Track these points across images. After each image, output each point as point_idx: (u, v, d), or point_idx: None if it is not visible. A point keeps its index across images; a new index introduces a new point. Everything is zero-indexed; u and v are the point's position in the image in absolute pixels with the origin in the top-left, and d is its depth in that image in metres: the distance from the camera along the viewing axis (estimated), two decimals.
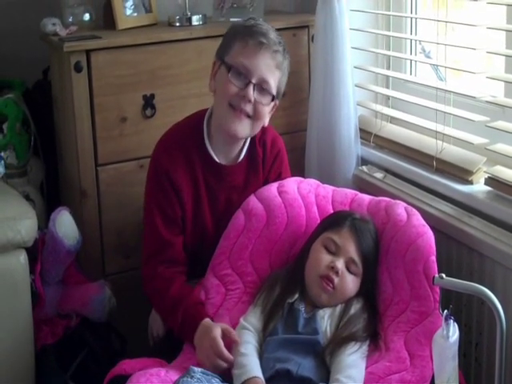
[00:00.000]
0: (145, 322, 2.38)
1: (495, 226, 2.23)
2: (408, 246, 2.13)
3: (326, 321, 2.06)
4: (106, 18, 2.83)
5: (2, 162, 2.62)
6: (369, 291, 2.14)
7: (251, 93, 2.19)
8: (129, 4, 2.82)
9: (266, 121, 2.29)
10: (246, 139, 2.34)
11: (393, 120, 2.87)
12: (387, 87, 2.97)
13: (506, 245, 2.15)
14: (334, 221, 2.18)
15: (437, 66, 2.73)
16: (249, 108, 2.21)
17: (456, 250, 2.32)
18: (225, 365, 2.01)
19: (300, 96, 2.95)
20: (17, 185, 2.72)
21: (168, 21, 2.88)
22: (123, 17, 2.80)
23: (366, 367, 2.00)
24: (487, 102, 2.38)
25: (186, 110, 2.52)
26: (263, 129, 2.35)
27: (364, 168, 2.81)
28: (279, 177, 2.40)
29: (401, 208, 2.24)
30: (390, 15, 2.88)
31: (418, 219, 2.20)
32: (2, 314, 2.34)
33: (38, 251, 2.46)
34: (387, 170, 2.74)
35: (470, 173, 2.38)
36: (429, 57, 2.86)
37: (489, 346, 2.22)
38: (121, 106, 2.65)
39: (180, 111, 2.58)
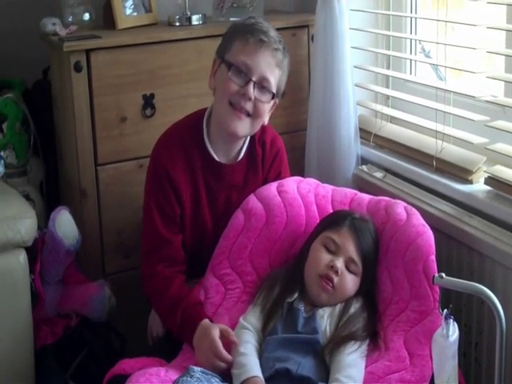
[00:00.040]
0: (144, 322, 2.38)
1: (495, 226, 2.23)
2: (408, 245, 2.13)
3: (325, 320, 2.06)
4: (106, 18, 2.83)
5: (2, 161, 2.62)
6: (368, 290, 2.14)
7: (251, 91, 2.19)
8: (128, 4, 2.82)
9: (266, 119, 2.29)
10: (246, 138, 2.34)
11: (393, 120, 2.87)
12: (387, 87, 2.97)
13: (506, 244, 2.15)
14: (334, 220, 2.18)
15: (437, 65, 2.73)
16: (249, 106, 2.21)
17: (456, 250, 2.32)
18: (224, 366, 2.01)
19: (300, 95, 2.95)
20: (16, 184, 2.72)
21: (168, 20, 2.88)
22: (123, 16, 2.80)
23: (366, 366, 1.99)
24: (487, 101, 2.38)
25: (185, 109, 2.52)
26: (263, 128, 2.35)
27: (364, 167, 2.81)
28: (279, 176, 2.40)
29: (400, 207, 2.24)
30: (389, 15, 2.88)
31: (417, 219, 2.20)
32: (1, 314, 2.34)
33: (38, 251, 2.45)
34: (387, 170, 2.74)
35: (470, 172, 2.38)
36: (429, 56, 2.86)
37: (489, 346, 2.22)
38: (121, 105, 2.65)
39: (180, 111, 2.58)
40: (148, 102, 2.68)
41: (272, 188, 2.32)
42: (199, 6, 2.95)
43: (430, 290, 2.07)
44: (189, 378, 1.88)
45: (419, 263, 2.10)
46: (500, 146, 2.32)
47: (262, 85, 2.21)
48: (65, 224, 2.46)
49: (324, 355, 1.99)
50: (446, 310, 1.78)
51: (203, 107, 2.39)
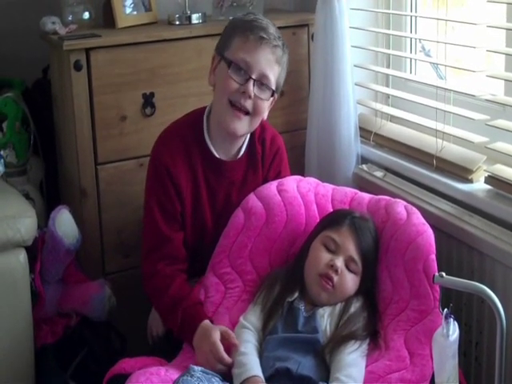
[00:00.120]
0: (145, 321, 2.38)
1: (495, 225, 2.23)
2: (408, 244, 2.13)
3: (325, 319, 2.06)
4: (106, 17, 2.82)
5: (2, 160, 2.62)
6: (368, 290, 2.14)
7: (251, 88, 2.19)
8: (128, 2, 2.82)
9: (265, 115, 2.29)
10: (246, 136, 2.34)
11: (393, 118, 2.87)
12: (387, 86, 2.97)
13: (506, 243, 2.15)
14: (334, 219, 2.18)
15: (437, 64, 2.73)
16: (248, 104, 2.21)
17: (456, 249, 2.32)
18: (224, 369, 2.01)
19: (300, 95, 2.95)
20: (16, 183, 2.72)
21: (168, 19, 2.88)
22: (123, 15, 2.80)
23: (366, 366, 1.99)
24: (487, 100, 2.38)
25: (185, 108, 2.52)
26: (262, 127, 2.35)
27: (364, 167, 2.81)
28: (278, 175, 2.40)
29: (401, 206, 2.23)
30: (389, 13, 2.88)
31: (417, 218, 2.19)
32: (1, 313, 2.34)
33: (38, 250, 2.45)
34: (387, 169, 2.74)
35: (470, 171, 2.38)
36: (429, 55, 2.86)
37: (489, 345, 2.22)
38: (120, 104, 2.65)
39: (180, 110, 2.58)
40: (148, 100, 2.68)
41: (272, 187, 2.31)
42: (199, 5, 2.95)
43: (430, 289, 2.07)
44: (189, 378, 1.88)
45: (419, 262, 2.10)
46: (500, 145, 2.32)
47: (262, 82, 2.21)
48: (65, 223, 2.46)
49: (324, 354, 1.99)
50: (446, 310, 1.78)
51: (203, 105, 2.38)
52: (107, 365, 2.10)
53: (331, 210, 2.30)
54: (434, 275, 1.82)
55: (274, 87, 2.24)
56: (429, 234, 2.15)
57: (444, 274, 1.81)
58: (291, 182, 2.34)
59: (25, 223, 2.35)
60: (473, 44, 2.44)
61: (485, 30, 2.37)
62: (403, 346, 2.02)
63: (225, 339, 2.04)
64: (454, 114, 2.49)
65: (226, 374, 1.99)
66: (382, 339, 2.05)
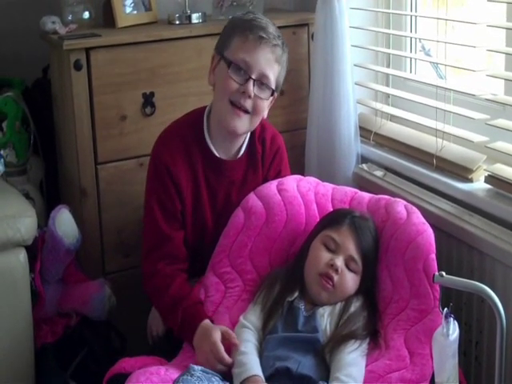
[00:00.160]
0: (145, 321, 2.38)
1: (495, 224, 2.23)
2: (408, 243, 2.13)
3: (325, 319, 2.06)
4: (106, 16, 2.82)
5: (2, 160, 2.62)
6: (368, 289, 2.14)
7: (251, 88, 2.19)
8: (128, 2, 2.82)
9: (265, 114, 2.29)
10: (246, 135, 2.34)
11: (393, 118, 2.87)
12: (387, 85, 2.97)
13: (506, 243, 2.14)
14: (334, 219, 2.18)
15: (437, 63, 2.72)
16: (248, 103, 2.21)
17: (456, 248, 2.32)
18: (225, 369, 2.01)
19: (300, 94, 2.95)
20: (16, 183, 2.72)
21: (168, 19, 2.88)
22: (123, 15, 2.79)
23: (366, 365, 1.99)
24: (487, 99, 2.38)
25: (185, 108, 2.52)
26: (262, 126, 2.36)
27: (364, 166, 2.81)
28: (279, 174, 2.40)
29: (401, 206, 2.23)
30: (389, 13, 2.87)
31: (417, 217, 2.19)
32: (1, 313, 2.34)
33: (38, 250, 2.45)
34: (387, 168, 2.74)
35: (470, 171, 2.38)
36: (429, 55, 2.86)
37: (489, 345, 2.22)
38: (120, 104, 2.65)
39: (180, 109, 2.58)
40: (148, 100, 2.68)
41: (272, 186, 2.31)
42: (199, 5, 2.95)
43: (430, 289, 2.07)
44: (189, 377, 1.88)
45: (419, 262, 2.10)
46: (500, 145, 2.32)
47: (262, 82, 2.21)
48: (65, 223, 2.46)
49: (324, 354, 1.99)
50: (446, 309, 1.78)
51: (203, 105, 2.38)
52: (107, 364, 2.10)
53: (331, 209, 2.30)
54: (434, 275, 1.82)
55: (273, 86, 2.24)
56: (429, 234, 2.15)
57: (444, 273, 1.81)
58: (291, 182, 2.34)
59: (25, 223, 2.35)
60: (473, 43, 2.44)
61: (485, 29, 2.37)
62: (403, 346, 2.02)
63: (225, 339, 2.04)
64: (454, 113, 2.49)
65: (226, 373, 1.99)
66: (382, 338, 2.05)
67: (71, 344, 2.48)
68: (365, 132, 2.86)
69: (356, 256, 2.11)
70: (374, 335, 2.06)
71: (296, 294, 2.11)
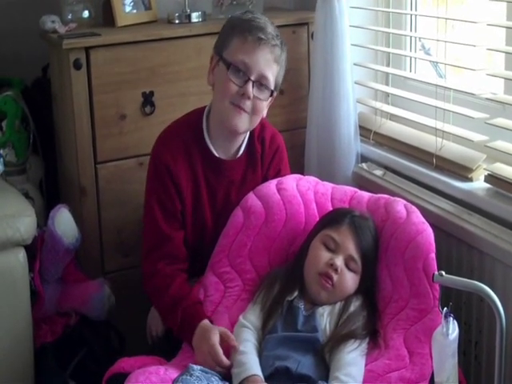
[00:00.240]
0: (144, 320, 2.38)
1: (495, 224, 2.23)
2: (407, 243, 2.13)
3: (325, 318, 2.06)
4: (106, 15, 2.82)
5: (1, 159, 2.62)
6: (368, 289, 2.14)
7: (250, 90, 2.19)
8: (128, 1, 2.82)
9: (264, 113, 2.29)
10: (245, 135, 2.34)
11: (392, 117, 2.86)
12: (387, 84, 2.97)
13: (505, 242, 2.14)
14: (333, 218, 2.18)
15: (436, 63, 2.72)
16: (248, 104, 2.21)
17: (456, 248, 2.32)
18: (223, 371, 2.01)
19: (299, 93, 2.95)
20: (16, 182, 2.72)
21: (167, 18, 2.87)
22: (122, 14, 2.79)
23: (366, 365, 1.99)
24: (487, 99, 2.37)
25: (185, 107, 2.52)
26: (262, 125, 2.36)
27: (363, 165, 2.80)
28: (278, 173, 2.40)
29: (400, 205, 2.23)
30: (389, 12, 2.87)
31: (417, 216, 2.19)
32: (1, 313, 2.34)
33: (37, 249, 2.45)
34: (387, 168, 2.74)
35: (470, 170, 2.38)
36: (429, 54, 2.86)
37: (488, 344, 2.22)
38: (120, 103, 2.65)
39: (179, 108, 2.58)
40: (147, 99, 2.68)
41: (271, 186, 2.31)
42: (199, 4, 2.94)
43: (429, 288, 2.07)
44: (188, 377, 1.88)
45: (419, 261, 2.10)
46: (500, 144, 2.32)
47: (261, 83, 2.21)
48: (64, 222, 2.46)
49: (324, 353, 1.99)
50: (445, 308, 1.78)
51: (203, 105, 2.38)
52: (106, 364, 2.10)
53: (331, 208, 2.30)
54: (433, 274, 1.82)
55: (272, 87, 2.24)
56: (428, 233, 2.15)
57: (443, 272, 1.81)
58: (290, 181, 2.34)
59: (24, 222, 2.35)
60: (473, 42, 2.44)
61: (485, 28, 2.37)
62: (403, 345, 2.02)
63: (224, 341, 2.04)
64: (453, 112, 2.49)
65: (226, 373, 1.99)
66: (382, 338, 2.05)
67: (71, 343, 2.48)
68: (364, 131, 2.86)
69: (356, 255, 2.11)
70: (373, 335, 2.06)
71: (295, 294, 2.11)
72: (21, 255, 2.36)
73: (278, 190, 2.30)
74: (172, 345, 2.18)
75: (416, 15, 2.83)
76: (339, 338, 2.01)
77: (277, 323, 2.06)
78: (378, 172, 2.73)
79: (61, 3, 2.80)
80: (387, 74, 2.95)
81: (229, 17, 2.38)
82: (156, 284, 2.24)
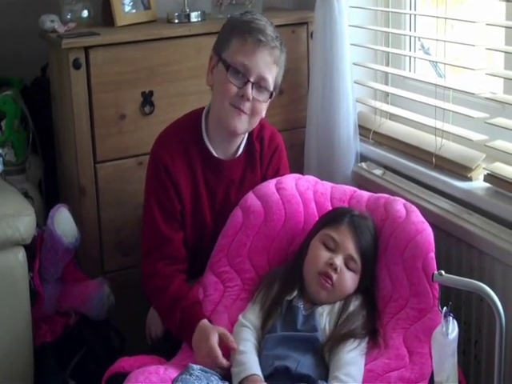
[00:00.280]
0: (144, 320, 2.38)
1: (494, 223, 2.22)
2: (407, 242, 2.13)
3: (324, 318, 2.06)
4: (105, 15, 2.82)
5: (1, 159, 2.62)
6: (368, 288, 2.14)
7: (250, 92, 2.19)
8: (127, 1, 2.81)
9: (264, 113, 2.29)
10: (244, 135, 2.34)
11: (392, 117, 2.86)
12: (386, 84, 2.97)
13: (505, 242, 2.14)
14: (333, 217, 2.18)
15: (436, 62, 2.72)
16: (247, 106, 2.21)
17: (455, 247, 2.32)
18: (223, 371, 2.01)
19: (299, 93, 2.95)
20: (15, 182, 2.72)
21: (167, 17, 2.87)
22: (122, 13, 2.79)
23: (365, 364, 1.99)
24: (486, 98, 2.37)
25: (184, 106, 2.52)
26: (261, 125, 2.36)
27: (363, 165, 2.80)
28: (277, 173, 2.40)
29: (400, 204, 2.23)
30: (389, 12, 2.87)
31: (417, 216, 2.19)
32: (0, 312, 2.34)
33: (37, 248, 2.45)
34: (386, 167, 2.74)
35: (470, 169, 2.38)
36: (428, 53, 2.86)
37: (488, 344, 2.22)
38: (119, 102, 2.64)
39: (179, 108, 2.58)
40: (147, 99, 2.68)
41: (270, 185, 2.31)
42: (198, 3, 2.94)
43: (429, 288, 2.07)
44: (188, 376, 1.88)
45: (418, 260, 2.10)
46: (499, 143, 2.32)
47: (260, 85, 2.21)
48: (64, 222, 2.46)
49: (323, 353, 1.99)
50: (445, 308, 1.78)
51: (202, 104, 2.38)
52: (106, 363, 2.10)
53: (330, 208, 2.30)
54: (433, 273, 1.82)
55: (271, 88, 2.24)
56: (428, 232, 2.15)
57: (443, 272, 1.81)
58: (290, 180, 2.34)
59: (24, 222, 2.35)
60: (472, 42, 2.44)
61: (484, 27, 2.37)
62: (402, 345, 2.02)
63: (223, 341, 2.04)
64: (453, 112, 2.49)
65: (225, 372, 1.99)
66: (381, 337, 2.05)
67: (70, 343, 2.48)
68: (364, 131, 2.86)
69: (355, 255, 2.11)
70: (373, 334, 2.06)
71: (295, 293, 2.11)
72: (20, 255, 2.36)
73: (278, 189, 2.30)
74: (172, 344, 2.18)
75: (415, 15, 2.83)
76: (339, 337, 2.01)
77: (276, 323, 2.06)
78: (378, 171, 2.73)
79: (60, 3, 2.79)
80: (387, 73, 2.95)
81: (228, 17, 2.37)
82: (155, 284, 2.24)
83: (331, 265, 2.08)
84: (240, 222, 2.27)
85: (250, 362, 1.97)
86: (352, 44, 2.80)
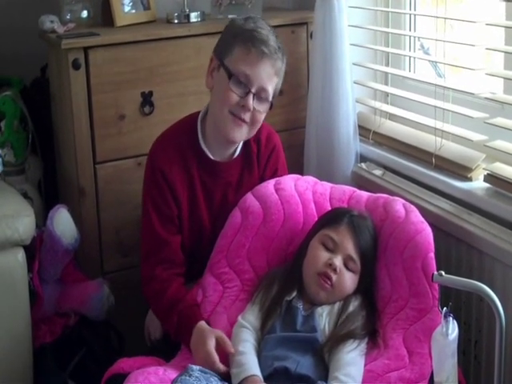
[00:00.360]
0: (143, 321, 2.38)
1: (494, 223, 2.22)
2: (406, 242, 2.12)
3: (324, 318, 2.05)
4: (104, 15, 2.82)
5: (0, 159, 2.62)
6: (367, 288, 2.14)
7: (251, 102, 2.19)
8: (127, 1, 2.81)
9: (262, 121, 2.29)
10: None
11: (392, 117, 2.86)
12: (386, 84, 2.97)
13: (505, 242, 2.14)
14: (332, 218, 2.17)
15: (436, 62, 2.72)
16: (247, 116, 2.21)
17: (455, 247, 2.31)
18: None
19: (299, 93, 2.95)
20: (15, 183, 2.72)
21: (166, 18, 2.87)
22: (121, 14, 2.79)
23: (365, 365, 1.99)
24: (486, 98, 2.37)
25: (184, 107, 2.52)
26: None
27: (363, 165, 2.80)
28: (275, 173, 2.40)
29: (399, 205, 2.23)
30: (388, 11, 2.87)
31: (416, 216, 2.19)
32: (0, 313, 2.34)
33: (36, 249, 2.45)
34: (386, 167, 2.74)
35: (469, 170, 2.38)
36: (428, 53, 2.86)
37: (488, 344, 2.22)
38: (119, 103, 2.64)
39: (178, 108, 2.58)
40: (146, 99, 2.68)
41: (269, 186, 2.31)
42: (197, 4, 2.94)
43: (429, 288, 2.07)
44: (187, 377, 1.88)
45: (418, 260, 2.10)
46: (499, 143, 2.32)
47: (261, 95, 2.21)
48: (63, 222, 2.46)
49: (323, 354, 1.99)
50: (445, 308, 1.78)
51: (202, 105, 2.38)
52: (106, 364, 2.10)
53: (329, 208, 2.30)
54: (433, 274, 1.82)
55: (271, 98, 2.24)
56: (427, 233, 2.14)
57: (443, 272, 1.81)
58: (289, 181, 2.34)
59: (23, 222, 2.35)
60: (472, 42, 2.44)
61: (484, 27, 2.37)
62: (402, 345, 2.01)
63: (220, 345, 2.04)
64: (452, 112, 2.49)
65: (225, 373, 1.99)
66: (381, 338, 2.05)
67: (70, 344, 2.48)
68: (364, 131, 2.86)
69: (354, 255, 2.10)
70: (372, 334, 2.06)
71: (294, 294, 2.10)
72: (20, 255, 2.36)
73: (276, 190, 2.30)
74: (171, 346, 2.18)
75: (415, 15, 2.83)
76: (338, 337, 2.01)
77: (276, 323, 2.06)
78: (377, 172, 2.73)
79: (59, 3, 2.79)
80: (386, 73, 2.95)
81: (230, 20, 2.33)
82: (153, 288, 2.24)
83: (330, 265, 2.07)
84: (239, 222, 2.27)
85: (250, 362, 1.97)
86: (352, 44, 2.80)
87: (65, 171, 2.79)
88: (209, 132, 2.31)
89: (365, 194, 2.33)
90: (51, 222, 2.43)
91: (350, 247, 2.10)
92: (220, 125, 2.25)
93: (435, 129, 2.53)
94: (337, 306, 2.08)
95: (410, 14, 2.83)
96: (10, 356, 2.36)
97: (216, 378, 1.93)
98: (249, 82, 2.19)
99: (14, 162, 2.77)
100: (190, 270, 2.31)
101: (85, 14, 2.82)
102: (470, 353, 2.30)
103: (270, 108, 2.26)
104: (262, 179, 2.37)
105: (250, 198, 2.29)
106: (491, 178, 2.29)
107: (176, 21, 2.85)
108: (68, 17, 2.78)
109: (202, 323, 2.11)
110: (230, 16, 2.83)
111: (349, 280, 2.10)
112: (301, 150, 2.88)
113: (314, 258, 2.11)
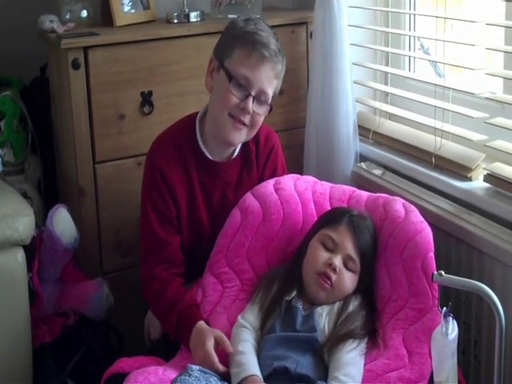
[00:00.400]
0: (143, 320, 2.38)
1: (494, 223, 2.22)
2: (406, 242, 2.12)
3: (324, 318, 2.05)
4: (104, 15, 2.81)
5: (0, 159, 2.62)
6: (367, 288, 2.14)
7: (250, 105, 2.19)
8: (126, 1, 2.81)
9: (261, 123, 2.29)
10: None
11: (391, 117, 2.86)
12: (386, 84, 2.97)
13: (505, 242, 2.14)
14: (332, 217, 2.17)
15: (435, 62, 2.72)
16: (247, 119, 2.21)
17: (455, 247, 2.31)
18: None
19: (298, 93, 2.94)
20: (14, 182, 2.72)
21: (166, 17, 2.87)
22: (121, 13, 2.79)
23: (365, 365, 1.99)
24: (486, 98, 2.37)
25: (184, 107, 2.52)
26: None
27: (362, 165, 2.80)
28: (274, 172, 2.40)
29: (399, 204, 2.23)
30: (388, 11, 2.87)
31: (416, 216, 2.19)
32: None
33: (36, 249, 2.45)
34: (386, 167, 2.74)
35: (469, 169, 2.38)
36: (427, 53, 2.86)
37: (488, 344, 2.22)
38: (119, 103, 2.64)
39: (178, 108, 2.58)
40: (146, 99, 2.68)
41: (269, 185, 2.31)
42: (197, 3, 2.94)
43: (428, 288, 2.07)
44: (187, 377, 1.88)
45: (418, 260, 2.10)
46: (499, 143, 2.32)
47: (261, 98, 2.21)
48: (63, 222, 2.46)
49: (322, 353, 1.99)
50: (445, 308, 1.78)
51: (201, 104, 2.38)
52: (105, 364, 2.11)
53: (329, 208, 2.30)
54: (432, 274, 1.82)
55: (270, 101, 2.24)
56: (427, 232, 2.14)
57: (443, 272, 1.80)
58: (288, 181, 2.34)
59: (23, 222, 2.35)
60: (472, 42, 2.44)
61: (484, 27, 2.37)
62: (402, 345, 2.01)
63: (219, 345, 2.04)
64: (452, 111, 2.49)
65: (225, 373, 1.99)
66: (381, 338, 2.05)
67: (69, 343, 2.48)
68: (363, 131, 2.86)
69: (354, 255, 2.10)
70: (372, 334, 2.05)
71: (294, 294, 2.10)
72: (19, 255, 2.36)
73: (276, 189, 2.30)
74: (170, 346, 2.18)
75: (415, 15, 2.83)
76: (338, 337, 2.01)
77: (275, 323, 2.06)
78: (377, 171, 2.73)
79: (59, 3, 2.79)
80: (386, 73, 2.95)
81: (230, 21, 2.32)
82: (153, 289, 2.24)
83: (330, 265, 2.07)
84: (238, 222, 2.27)
85: (249, 362, 1.97)
86: (351, 44, 2.80)
87: (64, 171, 2.79)
88: (207, 132, 2.31)
89: (364, 194, 2.33)
90: (51, 221, 2.43)
91: (349, 247, 2.10)
92: (219, 127, 2.25)
93: (435, 129, 2.53)
94: (336, 305, 2.08)
95: (410, 14, 2.83)
96: (10, 355, 2.36)
97: (215, 378, 1.93)
98: (249, 84, 2.19)
99: (14, 161, 2.77)
100: (189, 270, 2.31)
101: (84, 13, 2.81)
102: (470, 353, 2.30)
103: (270, 111, 2.26)
104: (261, 179, 2.37)
105: (249, 198, 2.29)
106: (491, 177, 2.29)
107: (176, 20, 2.84)
108: (67, 16, 2.78)
109: (202, 323, 2.11)
110: (229, 16, 2.83)
111: (348, 280, 2.10)
112: (300, 150, 2.88)
113: (314, 258, 2.11)
